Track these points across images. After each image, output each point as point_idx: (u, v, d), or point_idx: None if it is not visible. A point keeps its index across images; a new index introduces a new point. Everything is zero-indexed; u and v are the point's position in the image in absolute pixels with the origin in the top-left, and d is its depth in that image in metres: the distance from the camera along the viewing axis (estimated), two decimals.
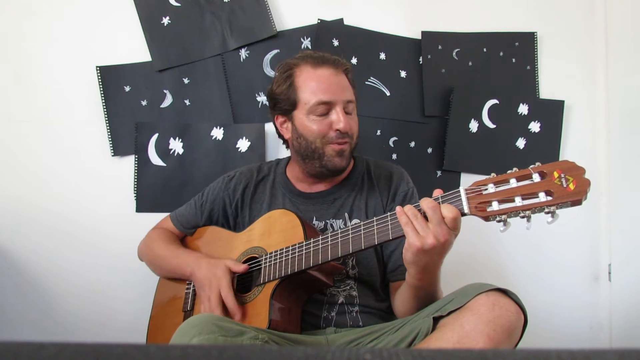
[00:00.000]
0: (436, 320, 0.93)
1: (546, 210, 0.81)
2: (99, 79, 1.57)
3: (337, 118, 1.17)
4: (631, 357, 0.37)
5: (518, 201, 0.83)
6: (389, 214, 0.98)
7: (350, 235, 1.02)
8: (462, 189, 0.90)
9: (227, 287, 1.11)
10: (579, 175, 0.81)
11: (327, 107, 1.18)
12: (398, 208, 0.94)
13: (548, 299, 1.72)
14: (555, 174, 0.82)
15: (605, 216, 1.77)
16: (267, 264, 1.13)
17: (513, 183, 0.85)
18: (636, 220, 1.67)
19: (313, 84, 1.18)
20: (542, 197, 0.81)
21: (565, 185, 0.80)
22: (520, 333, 0.89)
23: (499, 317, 0.85)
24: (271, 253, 1.14)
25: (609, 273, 1.75)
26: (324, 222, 1.24)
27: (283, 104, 1.23)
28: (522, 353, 0.38)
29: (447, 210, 0.89)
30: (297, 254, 1.08)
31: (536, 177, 0.83)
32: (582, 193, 0.79)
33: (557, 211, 0.81)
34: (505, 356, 0.38)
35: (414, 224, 0.90)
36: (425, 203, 0.90)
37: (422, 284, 1.00)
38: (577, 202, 0.80)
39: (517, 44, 1.76)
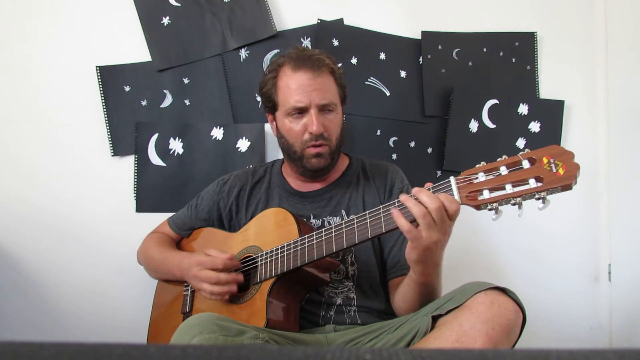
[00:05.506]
0: (435, 319, 0.93)
1: (537, 196, 0.81)
2: (99, 79, 1.57)
3: (310, 121, 1.18)
4: (631, 357, 0.37)
5: (509, 188, 0.83)
6: (381, 207, 0.98)
7: (344, 230, 1.02)
8: (452, 179, 0.90)
9: (204, 255, 1.15)
10: (568, 159, 0.80)
11: (302, 110, 1.19)
12: (402, 198, 0.93)
13: (548, 299, 1.72)
14: (545, 160, 0.81)
15: (605, 216, 1.76)
16: (263, 263, 1.13)
17: (503, 171, 0.85)
18: (636, 220, 1.67)
19: (290, 88, 1.20)
20: (532, 183, 0.81)
21: (554, 171, 0.80)
22: (519, 331, 0.89)
23: (498, 316, 0.85)
24: (266, 251, 1.13)
25: (609, 273, 1.75)
26: (321, 219, 1.24)
27: (268, 103, 1.26)
28: (521, 353, 0.38)
29: (449, 202, 0.89)
30: (292, 251, 1.08)
31: (526, 164, 0.83)
32: (571, 177, 0.79)
33: (548, 197, 0.81)
34: (505, 356, 0.38)
35: (422, 220, 0.88)
36: (425, 196, 0.89)
37: (426, 280, 1.01)
38: (567, 187, 0.79)
39: (517, 44, 1.76)
